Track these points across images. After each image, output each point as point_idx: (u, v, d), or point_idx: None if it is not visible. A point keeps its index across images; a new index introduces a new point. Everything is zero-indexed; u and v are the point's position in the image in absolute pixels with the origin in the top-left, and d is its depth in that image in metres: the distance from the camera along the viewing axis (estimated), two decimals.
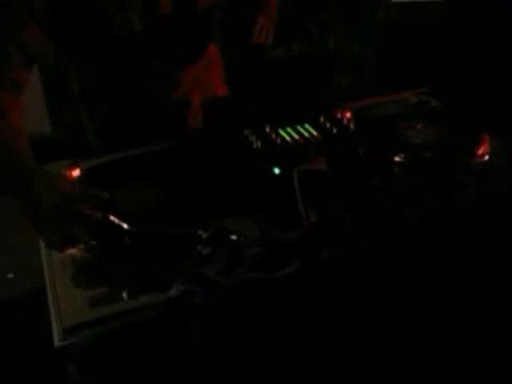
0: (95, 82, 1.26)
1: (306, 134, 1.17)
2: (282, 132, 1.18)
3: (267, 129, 1.17)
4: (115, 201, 1.05)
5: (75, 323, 0.86)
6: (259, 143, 1.13)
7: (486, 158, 1.19)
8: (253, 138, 1.14)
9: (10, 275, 1.12)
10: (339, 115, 1.23)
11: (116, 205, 1.03)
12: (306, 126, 1.20)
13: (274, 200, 1.00)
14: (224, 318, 0.71)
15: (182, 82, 1.30)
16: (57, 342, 0.85)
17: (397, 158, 1.12)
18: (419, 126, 1.29)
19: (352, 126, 1.19)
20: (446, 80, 1.57)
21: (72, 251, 0.96)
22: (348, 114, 1.25)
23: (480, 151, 1.20)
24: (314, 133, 1.18)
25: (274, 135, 1.16)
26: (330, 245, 0.77)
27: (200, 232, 0.91)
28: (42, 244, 0.99)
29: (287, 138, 1.16)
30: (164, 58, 1.22)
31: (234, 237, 0.89)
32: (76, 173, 1.16)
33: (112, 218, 0.94)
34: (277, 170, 1.04)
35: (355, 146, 1.09)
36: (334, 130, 1.18)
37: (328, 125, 1.20)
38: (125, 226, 0.96)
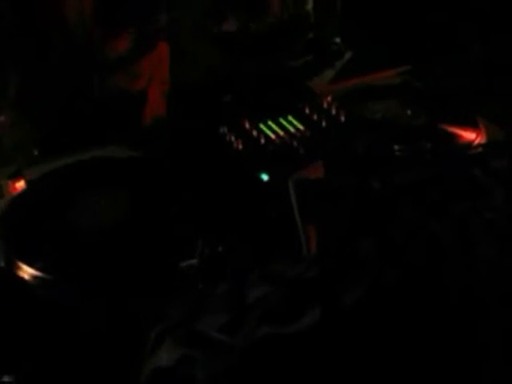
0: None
1: (291, 128, 1.01)
2: (263, 127, 1.01)
3: (246, 124, 1.01)
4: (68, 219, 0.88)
5: None
6: (240, 143, 0.96)
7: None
8: (231, 137, 0.97)
9: None
10: (325, 104, 1.08)
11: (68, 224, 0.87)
12: (290, 118, 1.04)
13: (263, 214, 0.84)
14: None
15: (139, 74, 1.12)
16: None
17: (396, 153, 0.98)
18: (409, 112, 1.16)
19: (341, 117, 1.04)
20: (426, 55, 1.43)
21: None
22: (333, 102, 1.09)
23: (478, 139, 1.08)
24: (300, 127, 1.02)
25: (255, 132, 0.99)
26: (353, 280, 0.63)
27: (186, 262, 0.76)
28: None
29: (271, 134, 1.00)
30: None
31: (230, 267, 0.74)
32: (20, 185, 0.98)
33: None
34: (265, 177, 0.88)
35: (351, 143, 0.94)
36: (323, 123, 1.02)
37: (315, 116, 1.04)
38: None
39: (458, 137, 1.07)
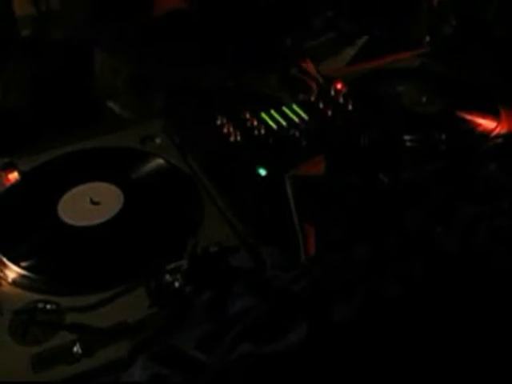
0: None
1: (295, 118, 0.95)
2: (265, 117, 0.95)
3: (247, 114, 0.95)
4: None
5: None
6: (238, 134, 0.91)
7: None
8: (230, 128, 0.91)
9: None
10: (332, 91, 1.01)
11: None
12: (294, 106, 0.98)
13: (258, 212, 0.79)
14: None
15: None
16: None
17: (407, 144, 0.92)
18: (424, 99, 1.09)
19: (349, 105, 0.98)
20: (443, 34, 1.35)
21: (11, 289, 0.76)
22: (342, 88, 1.03)
23: (498, 129, 1.01)
24: (305, 116, 0.96)
25: (255, 122, 0.93)
26: (344, 294, 0.57)
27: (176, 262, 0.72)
28: None
29: (273, 125, 0.94)
30: None
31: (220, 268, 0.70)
32: (14, 176, 0.95)
33: None
34: (263, 172, 0.83)
35: (358, 134, 0.88)
36: (329, 112, 0.96)
37: (321, 105, 0.98)
38: None
39: (477, 126, 1.00)
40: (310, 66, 1.03)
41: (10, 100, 1.13)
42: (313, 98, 0.98)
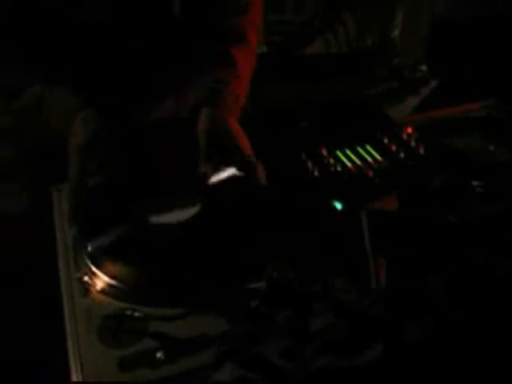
0: None
1: (368, 158, 1.01)
2: (340, 155, 1.01)
3: (324, 151, 1.01)
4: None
5: None
6: (315, 169, 0.97)
7: None
8: (309, 163, 0.98)
9: None
10: (404, 135, 1.07)
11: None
12: (368, 147, 1.04)
13: (333, 242, 0.84)
14: None
15: None
16: None
17: (476, 189, 0.96)
18: (492, 147, 1.13)
19: (421, 149, 1.03)
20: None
21: (100, 297, 0.82)
22: (413, 134, 1.08)
23: None
24: (378, 157, 1.01)
25: (332, 159, 1.00)
26: (418, 319, 0.62)
27: (254, 284, 0.77)
28: (64, 288, 0.85)
29: (348, 163, 1.00)
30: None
31: (296, 293, 0.74)
32: None
33: None
34: (339, 205, 0.88)
35: (428, 176, 0.93)
36: (402, 155, 1.01)
37: (393, 147, 1.03)
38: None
39: None
40: None
41: None
42: (386, 141, 1.04)
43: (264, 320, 0.68)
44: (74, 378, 0.74)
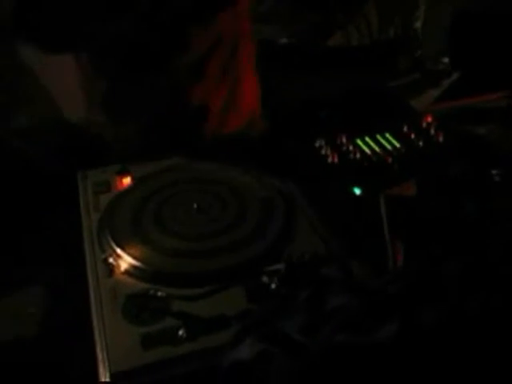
0: None
1: (387, 145, 1.02)
2: (360, 143, 1.03)
3: (343, 139, 1.03)
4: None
5: (125, 368, 0.74)
6: (335, 156, 0.98)
7: None
8: (327, 150, 0.99)
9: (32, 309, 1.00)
10: (424, 124, 1.08)
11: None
12: (387, 135, 1.05)
13: (352, 227, 0.86)
14: None
15: (206, 73, 1.10)
16: None
17: (495, 178, 0.97)
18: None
19: (440, 137, 1.04)
20: None
21: (124, 277, 0.85)
22: (433, 122, 1.09)
23: None
24: (397, 145, 1.03)
25: (351, 147, 1.01)
26: (433, 301, 0.63)
27: (273, 266, 0.79)
28: (89, 269, 0.88)
29: (367, 150, 1.01)
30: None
31: (314, 275, 0.76)
32: (127, 181, 1.05)
33: None
34: (358, 191, 0.90)
35: (447, 164, 0.94)
36: (420, 143, 1.02)
37: (413, 135, 1.04)
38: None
39: None
40: None
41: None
42: (405, 129, 1.05)
43: (283, 300, 0.70)
44: (100, 357, 0.76)
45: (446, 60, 2.58)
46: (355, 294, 0.65)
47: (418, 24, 2.60)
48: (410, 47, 2.65)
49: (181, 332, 0.76)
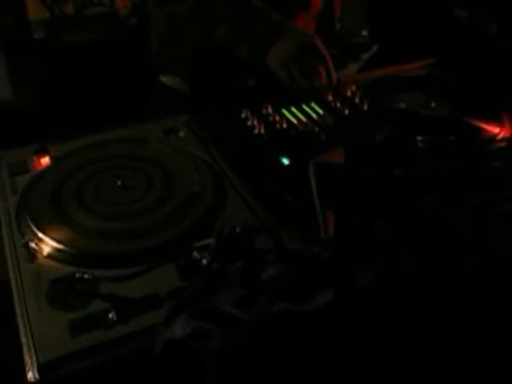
0: None
1: (313, 115, 1.02)
2: (286, 113, 1.01)
3: (269, 109, 1.01)
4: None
5: (54, 357, 0.70)
6: (262, 127, 0.97)
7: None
8: (254, 121, 0.98)
9: None
10: (349, 92, 1.08)
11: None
12: (313, 104, 1.04)
13: (282, 197, 0.85)
14: (253, 365, 0.56)
15: None
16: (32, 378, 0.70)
17: (419, 144, 0.98)
18: (433, 104, 1.15)
19: (365, 105, 1.04)
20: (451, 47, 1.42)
21: (47, 261, 0.81)
22: (357, 91, 1.09)
23: (501, 134, 1.07)
24: (323, 113, 1.02)
25: (277, 117, 1.00)
26: (367, 264, 0.63)
27: (204, 241, 0.77)
28: (8, 251, 0.83)
29: (293, 120, 1.00)
30: None
31: (246, 247, 0.75)
32: (45, 161, 1.00)
33: None
34: (286, 161, 0.89)
35: (372, 131, 0.94)
36: (346, 111, 1.02)
37: (338, 104, 1.04)
38: None
39: (482, 130, 1.06)
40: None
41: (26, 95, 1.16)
42: (330, 98, 1.05)
43: (215, 274, 0.68)
44: (25, 347, 0.72)
45: (365, 33, 2.61)
46: (289, 263, 0.64)
47: None
48: (329, 21, 2.67)
49: (111, 315, 0.73)
